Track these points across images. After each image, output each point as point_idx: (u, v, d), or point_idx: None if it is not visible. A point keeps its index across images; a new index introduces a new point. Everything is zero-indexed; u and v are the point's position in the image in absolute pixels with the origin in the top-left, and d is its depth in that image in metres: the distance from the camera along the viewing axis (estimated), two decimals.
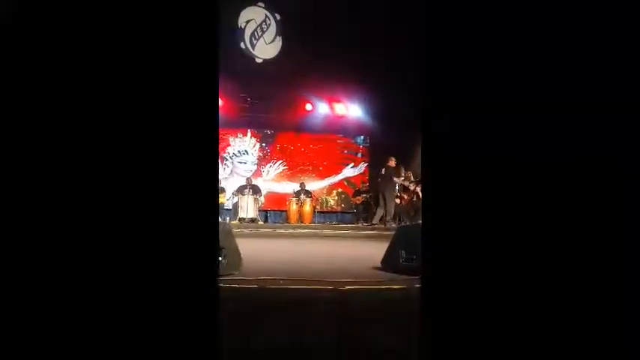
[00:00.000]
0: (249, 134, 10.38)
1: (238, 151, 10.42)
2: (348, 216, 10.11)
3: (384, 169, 8.39)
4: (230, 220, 8.61)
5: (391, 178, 8.18)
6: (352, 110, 10.23)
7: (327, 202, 10.45)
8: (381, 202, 8.24)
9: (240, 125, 10.38)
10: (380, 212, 8.26)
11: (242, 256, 3.02)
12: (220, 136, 10.38)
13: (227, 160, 10.30)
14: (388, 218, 8.03)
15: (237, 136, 10.40)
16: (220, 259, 2.84)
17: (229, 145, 10.33)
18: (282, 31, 10.07)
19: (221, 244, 2.86)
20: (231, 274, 2.74)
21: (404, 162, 8.58)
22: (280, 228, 8.35)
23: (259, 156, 10.49)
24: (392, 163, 8.31)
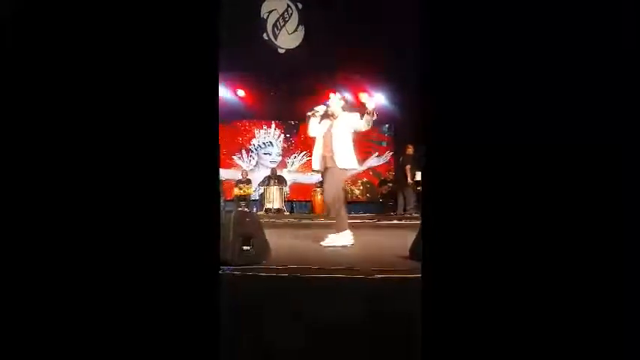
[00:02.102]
0: (273, 125, 10.41)
1: (263, 143, 10.47)
2: (373, 206, 10.05)
3: (401, 158, 8.29)
4: (257, 211, 8.69)
5: (407, 166, 8.07)
6: (377, 98, 10.12)
7: (352, 192, 10.41)
8: (400, 192, 8.18)
9: (263, 117, 10.42)
10: (402, 202, 8.19)
11: (270, 245, 3.04)
12: (245, 127, 10.61)
13: (252, 151, 10.37)
14: (408, 207, 7.94)
15: (262, 128, 10.45)
16: (249, 248, 2.86)
17: (254, 136, 10.39)
18: (305, 20, 10.00)
19: (249, 233, 2.88)
20: (260, 264, 2.76)
21: None
22: (306, 218, 8.37)
23: (284, 147, 10.52)
24: (410, 150, 8.19)
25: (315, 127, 4.05)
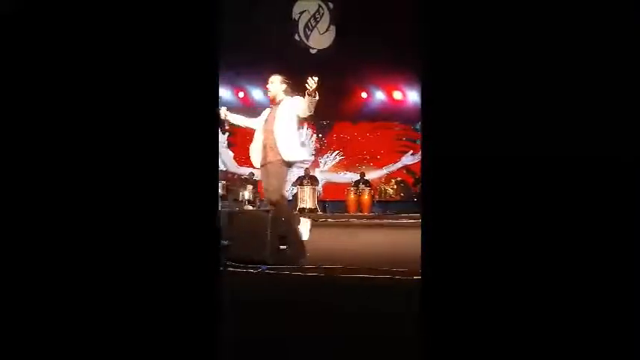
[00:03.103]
0: (305, 125, 10.46)
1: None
2: (408, 205, 9.92)
3: None
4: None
5: None
6: (410, 96, 9.97)
7: (385, 191, 10.31)
8: None
9: None
10: None
11: (305, 245, 3.04)
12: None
13: None
14: None
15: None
16: (285, 248, 2.88)
17: None
18: (336, 19, 9.99)
19: (285, 233, 2.90)
20: (296, 264, 2.77)
21: None
22: (340, 218, 8.36)
23: (316, 147, 10.54)
24: None
25: (242, 119, 3.44)
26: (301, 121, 3.48)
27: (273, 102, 3.35)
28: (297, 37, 10.06)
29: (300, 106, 3.21)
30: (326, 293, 2.12)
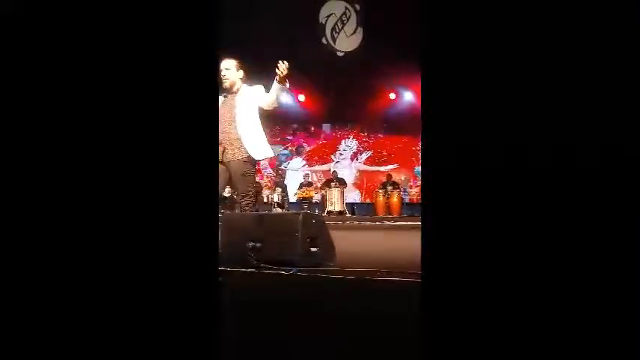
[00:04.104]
0: (352, 136, 10.56)
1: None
2: None
3: None
4: (319, 213, 8.78)
5: None
6: None
7: (414, 193, 10.19)
8: None
9: (324, 120, 10.51)
10: None
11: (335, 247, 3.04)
12: (336, 135, 10.55)
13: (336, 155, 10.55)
14: None
15: (347, 137, 10.60)
16: (316, 250, 2.89)
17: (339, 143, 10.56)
18: (363, 21, 9.98)
19: (316, 235, 2.91)
20: (326, 265, 2.77)
21: None
22: (368, 220, 8.31)
23: (345, 148, 10.55)
24: None
25: None
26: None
27: (228, 90, 2.87)
28: (324, 41, 10.09)
29: (265, 97, 2.78)
30: (355, 296, 2.12)
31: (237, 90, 2.89)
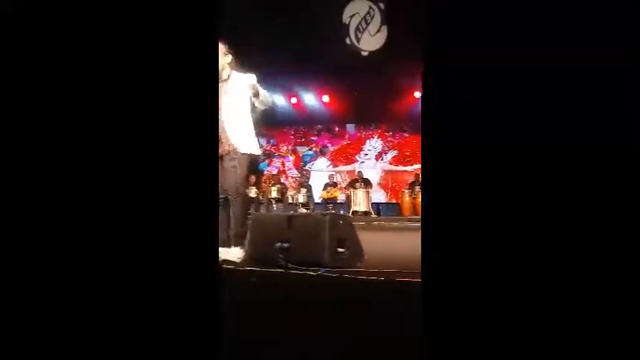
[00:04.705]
0: (376, 136, 10.52)
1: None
2: None
3: None
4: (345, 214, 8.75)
5: None
6: None
7: None
8: None
9: (348, 120, 10.48)
10: None
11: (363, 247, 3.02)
12: (357, 139, 10.59)
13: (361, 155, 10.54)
14: None
15: (372, 137, 10.58)
16: (343, 250, 2.87)
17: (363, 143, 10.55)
18: (387, 19, 9.90)
19: (343, 236, 2.90)
20: (354, 266, 2.75)
21: None
22: (394, 221, 8.24)
23: (369, 148, 10.50)
24: None
25: None
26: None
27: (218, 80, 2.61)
28: (347, 41, 10.06)
29: (260, 89, 2.59)
30: (383, 297, 2.09)
31: (228, 77, 2.67)
